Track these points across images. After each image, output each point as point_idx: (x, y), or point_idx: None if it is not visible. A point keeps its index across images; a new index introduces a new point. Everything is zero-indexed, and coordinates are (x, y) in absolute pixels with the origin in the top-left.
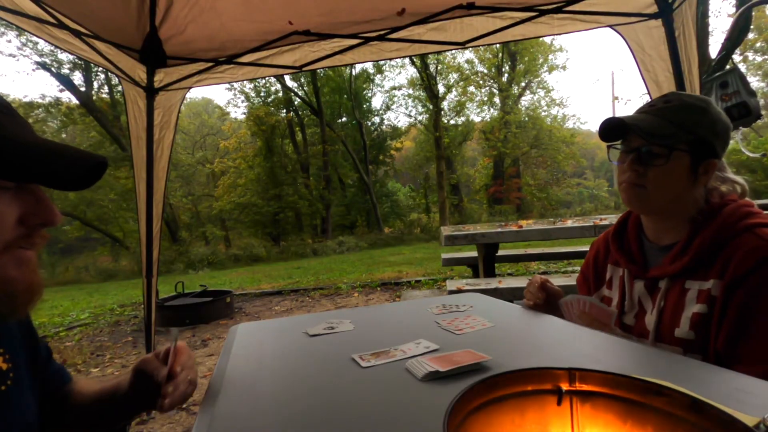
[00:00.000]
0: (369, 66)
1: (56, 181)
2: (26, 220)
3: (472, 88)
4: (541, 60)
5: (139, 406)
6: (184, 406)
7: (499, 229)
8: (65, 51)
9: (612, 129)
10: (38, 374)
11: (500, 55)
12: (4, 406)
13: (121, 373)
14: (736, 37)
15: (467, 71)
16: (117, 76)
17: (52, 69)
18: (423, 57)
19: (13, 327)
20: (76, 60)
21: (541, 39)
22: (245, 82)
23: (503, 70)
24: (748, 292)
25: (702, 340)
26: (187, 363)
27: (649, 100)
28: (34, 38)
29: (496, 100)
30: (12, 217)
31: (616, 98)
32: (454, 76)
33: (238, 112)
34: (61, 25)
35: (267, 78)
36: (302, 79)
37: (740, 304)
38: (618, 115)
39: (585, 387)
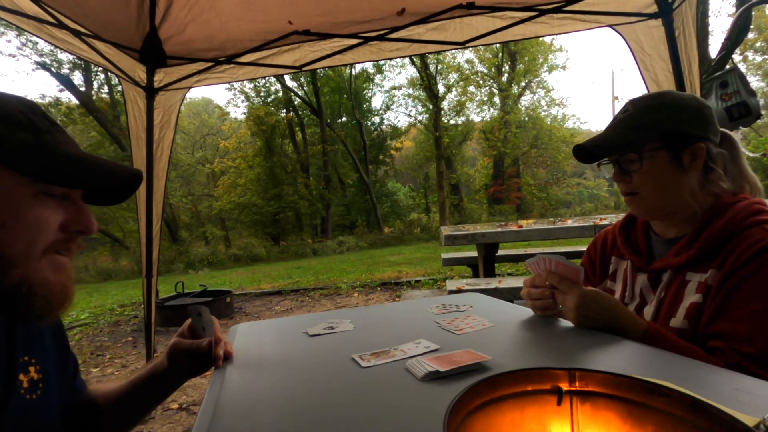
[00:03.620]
0: (369, 66)
1: (97, 190)
2: (67, 226)
3: (472, 88)
4: (541, 60)
5: (182, 378)
6: (185, 406)
7: (499, 229)
8: (65, 51)
9: (583, 156)
10: (66, 386)
11: (500, 54)
12: (34, 415)
13: (121, 373)
14: (736, 37)
15: (467, 71)
16: (117, 76)
17: (52, 69)
18: (423, 57)
19: (47, 338)
20: (76, 60)
21: (541, 39)
22: (245, 82)
23: (503, 69)
24: (739, 278)
25: (694, 330)
26: (219, 329)
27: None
28: (34, 38)
29: (496, 99)
30: (55, 222)
31: (616, 98)
32: (454, 76)
33: (238, 112)
34: (61, 25)
35: (267, 78)
36: (302, 79)
37: (728, 289)
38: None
39: (585, 387)
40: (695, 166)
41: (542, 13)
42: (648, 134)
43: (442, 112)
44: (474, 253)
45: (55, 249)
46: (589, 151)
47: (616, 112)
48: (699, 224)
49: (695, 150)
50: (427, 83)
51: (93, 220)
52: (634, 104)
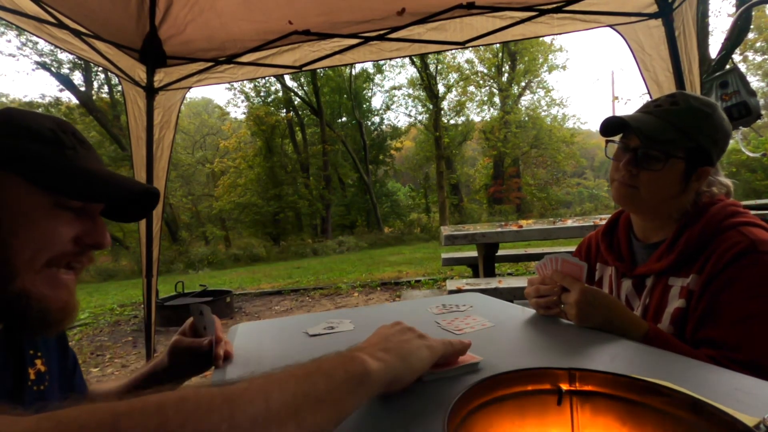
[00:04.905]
0: (369, 66)
1: (114, 205)
2: (81, 239)
3: (472, 88)
4: (541, 60)
5: (182, 376)
6: None
7: (499, 229)
8: (65, 51)
9: (613, 127)
10: (66, 381)
11: (500, 54)
12: (42, 406)
13: (121, 373)
14: (736, 37)
15: (467, 71)
16: (117, 75)
17: (52, 69)
18: (423, 57)
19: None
20: (76, 60)
21: (541, 39)
22: (245, 81)
23: (503, 69)
24: (722, 282)
25: (680, 335)
26: (221, 328)
27: (653, 98)
28: (34, 38)
29: (496, 99)
30: (68, 234)
31: (616, 98)
32: (454, 76)
33: (238, 112)
34: (61, 25)
35: (267, 78)
36: (302, 79)
37: (712, 293)
38: (619, 114)
39: (585, 387)
40: (695, 186)
41: (542, 13)
42: (686, 140)
43: (442, 112)
44: (474, 253)
45: (65, 261)
46: (620, 127)
47: (660, 98)
48: (677, 229)
49: (702, 172)
50: (427, 83)
51: (107, 235)
52: (684, 100)
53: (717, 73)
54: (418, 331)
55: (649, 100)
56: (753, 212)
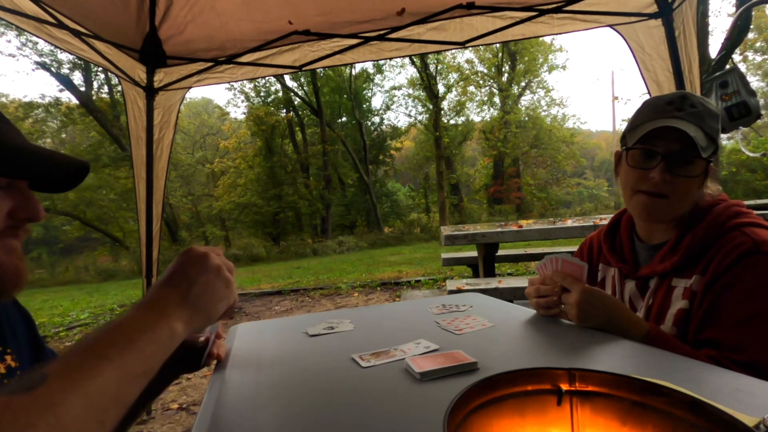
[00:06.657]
0: (369, 66)
1: (44, 179)
2: (15, 214)
3: (472, 88)
4: (541, 60)
5: (172, 373)
6: (185, 406)
7: (499, 229)
8: (65, 51)
9: (660, 135)
10: None
11: (500, 54)
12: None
13: None
14: (736, 37)
15: (467, 71)
16: (117, 76)
17: (52, 69)
18: (423, 57)
19: (20, 332)
20: (76, 60)
21: (541, 39)
22: (245, 81)
23: (503, 69)
24: (724, 283)
25: (683, 336)
26: (221, 327)
27: (661, 96)
28: (34, 38)
29: (496, 99)
30: (3, 210)
31: (616, 98)
32: (454, 76)
33: (238, 112)
34: (61, 25)
35: (267, 78)
36: (302, 79)
37: (715, 294)
38: (620, 113)
39: (585, 387)
40: (705, 183)
41: (542, 13)
42: (713, 143)
43: (442, 112)
44: (474, 253)
45: (4, 234)
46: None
47: (673, 100)
48: (681, 230)
49: (710, 169)
50: (427, 83)
51: (40, 208)
52: (699, 103)
53: (717, 73)
54: (223, 272)
55: (657, 97)
56: (755, 212)
